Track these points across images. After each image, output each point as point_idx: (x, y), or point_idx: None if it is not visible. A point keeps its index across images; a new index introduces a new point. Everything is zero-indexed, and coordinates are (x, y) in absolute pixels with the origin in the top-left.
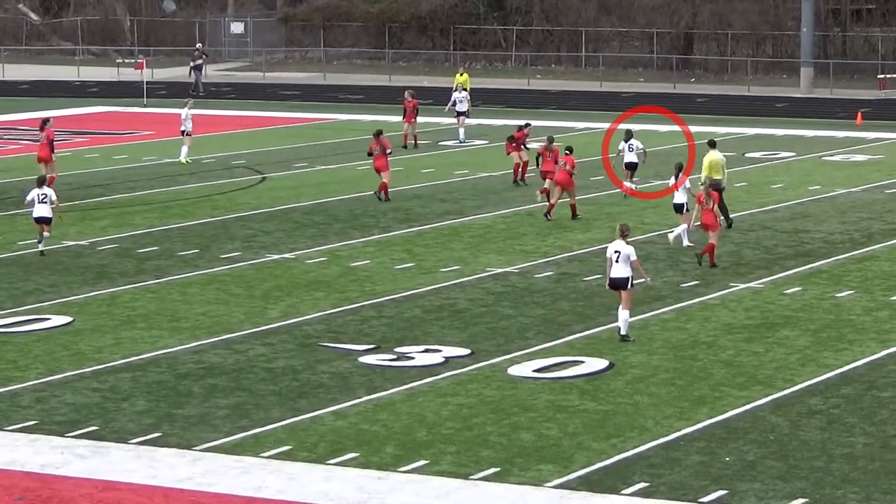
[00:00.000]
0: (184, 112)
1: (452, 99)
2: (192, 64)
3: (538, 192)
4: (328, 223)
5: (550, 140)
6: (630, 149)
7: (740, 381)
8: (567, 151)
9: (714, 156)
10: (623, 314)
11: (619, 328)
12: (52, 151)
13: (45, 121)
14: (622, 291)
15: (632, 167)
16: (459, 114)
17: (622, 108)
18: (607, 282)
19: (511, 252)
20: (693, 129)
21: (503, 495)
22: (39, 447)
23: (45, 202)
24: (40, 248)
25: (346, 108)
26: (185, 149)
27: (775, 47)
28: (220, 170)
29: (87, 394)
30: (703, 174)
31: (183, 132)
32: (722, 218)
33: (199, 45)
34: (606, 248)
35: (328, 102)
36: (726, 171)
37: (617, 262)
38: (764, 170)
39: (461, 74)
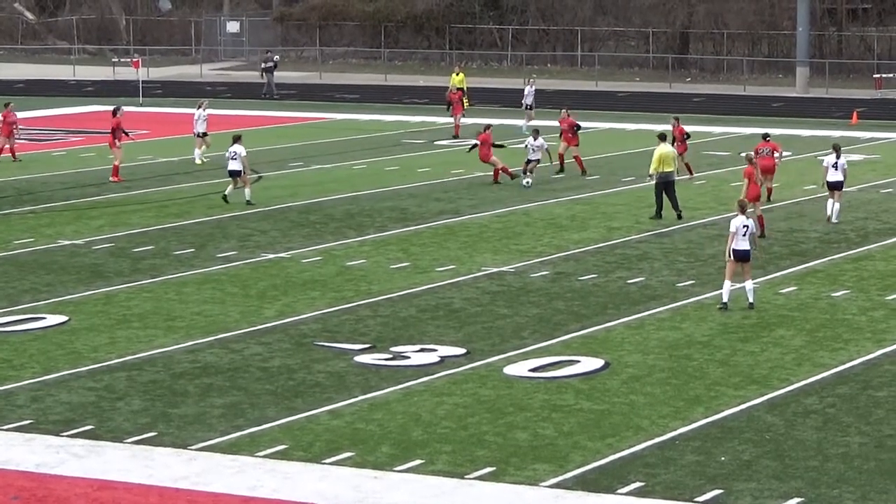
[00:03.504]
0: (197, 113)
1: (525, 93)
2: (262, 66)
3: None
4: (324, 222)
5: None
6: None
7: (736, 380)
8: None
9: (665, 149)
10: (749, 284)
11: (748, 298)
12: (114, 138)
13: (116, 109)
14: (745, 264)
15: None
16: (528, 107)
17: (618, 107)
18: (731, 254)
19: (507, 251)
20: (689, 128)
21: (499, 495)
22: (35, 446)
23: (236, 158)
24: (247, 199)
25: (341, 107)
26: (197, 150)
27: (771, 47)
28: (216, 169)
29: (83, 393)
30: (653, 167)
31: (196, 134)
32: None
33: (270, 51)
34: (730, 222)
35: (324, 102)
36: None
37: (744, 236)
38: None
39: (456, 74)
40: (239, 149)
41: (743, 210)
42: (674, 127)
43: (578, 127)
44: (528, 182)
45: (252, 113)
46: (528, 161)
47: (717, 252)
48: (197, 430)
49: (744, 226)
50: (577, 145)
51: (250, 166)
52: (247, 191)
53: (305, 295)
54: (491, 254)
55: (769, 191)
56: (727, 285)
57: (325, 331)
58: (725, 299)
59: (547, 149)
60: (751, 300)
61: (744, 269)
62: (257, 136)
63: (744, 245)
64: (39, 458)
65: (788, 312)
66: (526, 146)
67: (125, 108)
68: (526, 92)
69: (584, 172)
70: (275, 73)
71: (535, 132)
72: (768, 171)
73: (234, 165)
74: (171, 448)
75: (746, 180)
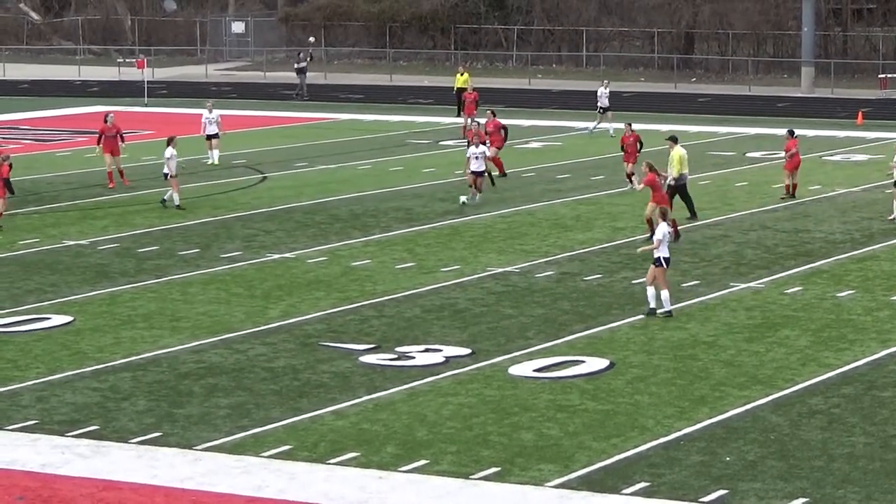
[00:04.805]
0: (205, 115)
1: (599, 94)
2: (296, 66)
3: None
4: (329, 223)
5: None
6: None
7: (741, 380)
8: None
9: (681, 150)
10: (665, 293)
11: (664, 307)
12: (98, 143)
13: (106, 116)
14: (664, 271)
15: None
16: (605, 109)
17: (623, 107)
18: (666, 260)
19: (511, 251)
20: (694, 128)
21: (504, 495)
22: (40, 447)
23: (171, 159)
24: (166, 200)
25: (346, 107)
26: (215, 152)
27: (776, 47)
28: (221, 169)
29: (88, 393)
30: (676, 169)
31: (207, 136)
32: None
33: (303, 51)
34: (657, 230)
35: (329, 102)
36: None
37: (667, 242)
38: (764, 169)
39: (461, 74)
40: (167, 151)
41: (665, 217)
42: (626, 133)
43: (506, 130)
44: (470, 198)
45: (257, 113)
46: (475, 174)
47: (721, 252)
48: (202, 431)
49: (669, 232)
50: (499, 147)
51: (256, 167)
52: (174, 195)
53: (310, 295)
54: (496, 254)
55: (795, 186)
56: (652, 291)
57: (329, 331)
58: (653, 304)
59: (487, 156)
60: (668, 308)
61: (662, 277)
62: (262, 137)
63: (668, 252)
64: (44, 459)
65: (793, 312)
66: (468, 157)
67: (130, 109)
68: (599, 94)
69: (502, 175)
70: (307, 73)
71: (476, 137)
72: (796, 168)
73: (168, 168)
74: (176, 448)
75: (650, 188)
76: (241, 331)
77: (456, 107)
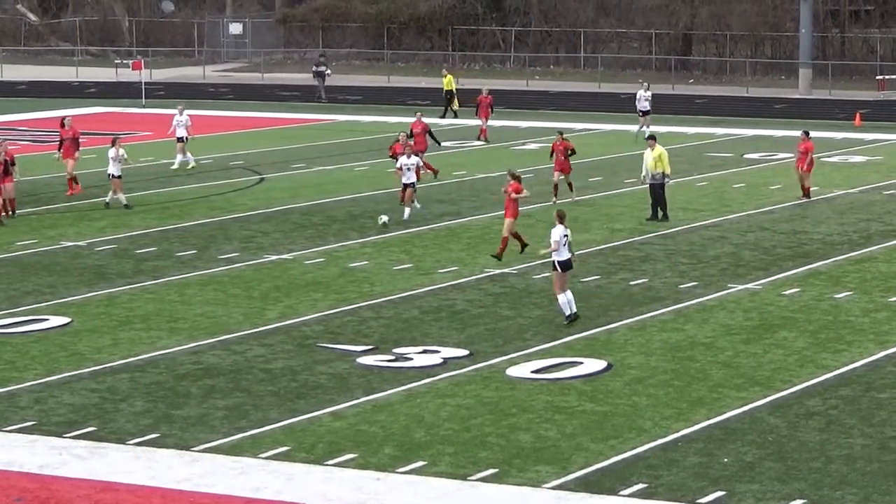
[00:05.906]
0: (175, 118)
1: (638, 97)
2: (314, 69)
3: None
4: (326, 224)
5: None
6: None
7: (738, 382)
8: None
9: (662, 150)
10: (569, 294)
11: (571, 309)
12: (59, 148)
13: (63, 119)
14: (568, 273)
15: None
16: (644, 113)
17: (621, 109)
18: (560, 264)
19: (509, 253)
20: (692, 130)
21: (501, 496)
22: (38, 448)
23: (118, 161)
24: (107, 201)
25: (344, 108)
26: (179, 156)
27: (774, 48)
28: (218, 170)
29: (86, 394)
30: (663, 168)
31: (177, 139)
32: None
33: (323, 53)
34: (563, 234)
35: (326, 103)
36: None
37: (564, 245)
38: (762, 171)
39: (444, 76)
40: (112, 151)
41: (562, 220)
42: (558, 142)
43: (431, 133)
44: (404, 215)
45: (254, 114)
46: (405, 186)
47: (720, 254)
48: (199, 432)
49: (564, 235)
50: (423, 150)
51: (254, 168)
52: (120, 196)
53: (308, 296)
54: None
55: (805, 189)
56: (563, 298)
57: (327, 332)
58: (568, 311)
59: (420, 166)
60: (574, 310)
61: (565, 279)
62: (259, 138)
63: (566, 255)
64: (42, 460)
65: (791, 314)
66: (399, 167)
67: (128, 110)
68: (638, 96)
69: (435, 174)
70: (325, 76)
71: (409, 147)
72: (811, 170)
73: (113, 169)
74: (173, 450)
75: (507, 195)
76: (239, 332)
77: (449, 108)
